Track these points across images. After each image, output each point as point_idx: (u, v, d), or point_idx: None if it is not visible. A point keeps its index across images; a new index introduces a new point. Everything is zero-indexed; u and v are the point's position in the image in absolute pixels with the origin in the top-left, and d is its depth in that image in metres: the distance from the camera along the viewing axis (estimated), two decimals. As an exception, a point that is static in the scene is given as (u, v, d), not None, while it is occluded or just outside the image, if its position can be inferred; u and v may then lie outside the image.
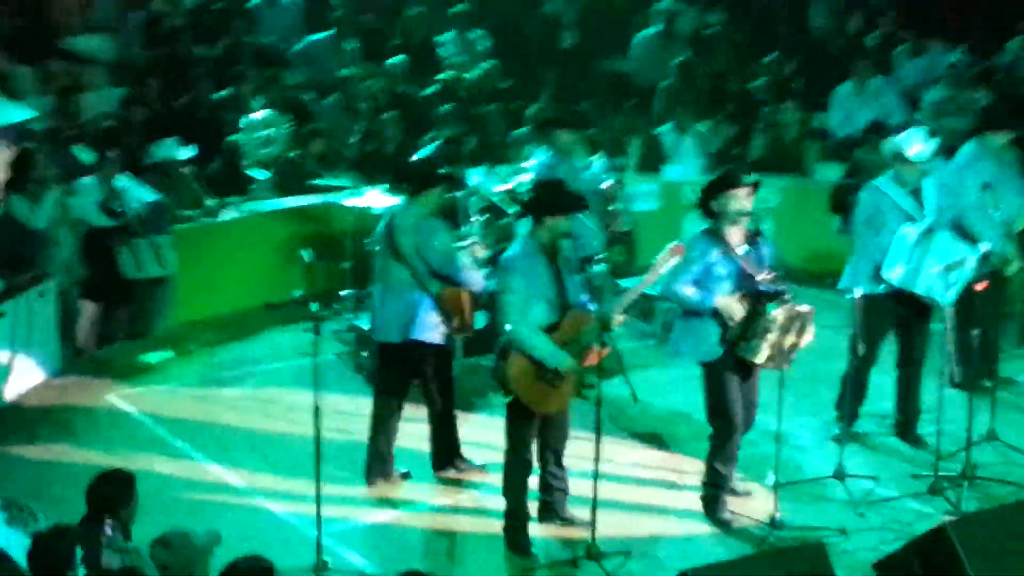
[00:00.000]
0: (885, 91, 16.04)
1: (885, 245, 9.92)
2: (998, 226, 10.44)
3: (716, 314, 8.94)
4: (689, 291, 8.93)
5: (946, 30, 17.12)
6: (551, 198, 8.88)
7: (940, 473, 9.62)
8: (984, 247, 9.89)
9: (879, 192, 10.07)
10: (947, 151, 14.11)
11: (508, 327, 8.51)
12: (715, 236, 8.99)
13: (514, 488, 8.90)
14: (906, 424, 10.41)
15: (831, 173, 14.73)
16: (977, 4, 17.30)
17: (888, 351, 10.39)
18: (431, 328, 9.63)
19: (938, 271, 9.74)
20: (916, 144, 10.00)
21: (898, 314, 10.14)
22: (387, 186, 12.44)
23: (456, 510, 9.62)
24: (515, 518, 8.94)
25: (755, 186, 9.05)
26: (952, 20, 17.34)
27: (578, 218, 9.32)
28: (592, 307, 8.68)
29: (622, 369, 9.54)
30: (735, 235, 9.01)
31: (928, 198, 10.09)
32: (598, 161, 12.12)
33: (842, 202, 11.97)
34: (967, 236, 10.39)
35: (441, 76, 16.07)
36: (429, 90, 15.96)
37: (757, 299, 8.87)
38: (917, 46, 16.78)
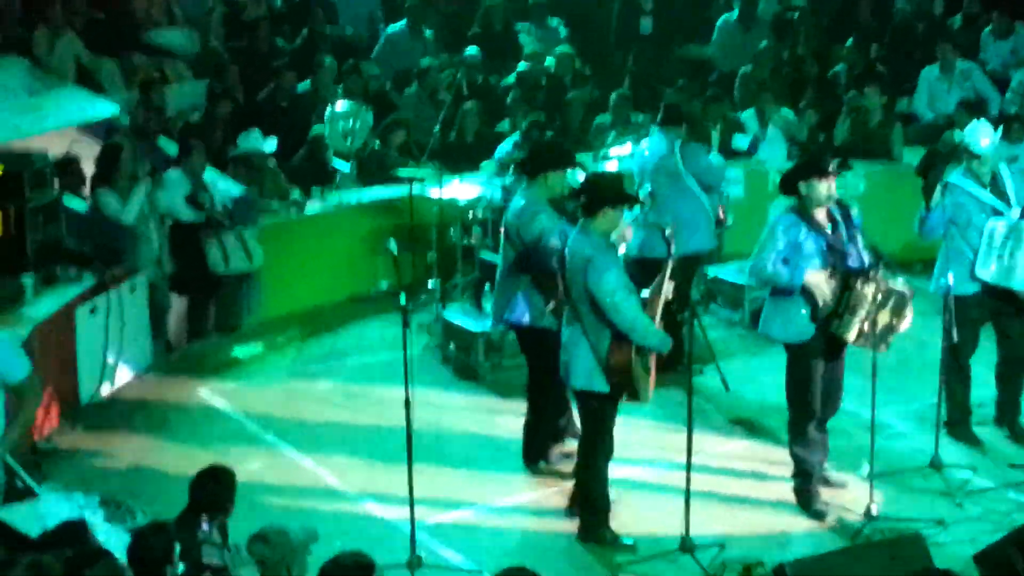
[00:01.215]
0: (972, 73, 15.85)
1: (975, 243, 9.78)
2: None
3: (806, 293, 8.86)
4: (779, 268, 8.85)
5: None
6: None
7: (1040, 464, 9.52)
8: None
9: (957, 189, 9.89)
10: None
11: (626, 314, 8.38)
12: (802, 214, 8.92)
13: (601, 479, 8.85)
14: (1005, 420, 10.21)
15: (919, 158, 14.56)
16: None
17: (987, 336, 10.22)
18: (524, 311, 9.56)
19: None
20: (983, 137, 9.83)
21: (993, 308, 9.97)
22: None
23: (546, 508, 9.56)
24: (602, 510, 8.89)
25: (841, 168, 8.98)
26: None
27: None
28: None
29: (713, 358, 9.54)
30: (821, 215, 8.95)
31: (1014, 188, 9.89)
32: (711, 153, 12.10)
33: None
34: None
35: (521, 66, 16.03)
36: (509, 79, 15.94)
37: (847, 276, 8.80)
38: (1003, 27, 16.54)
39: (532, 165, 9.73)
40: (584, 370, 8.49)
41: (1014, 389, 10.19)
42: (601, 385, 8.46)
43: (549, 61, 16.24)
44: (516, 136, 13.44)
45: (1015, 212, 9.71)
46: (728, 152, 14.13)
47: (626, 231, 9.52)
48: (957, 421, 10.14)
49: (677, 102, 12.68)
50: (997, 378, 10.22)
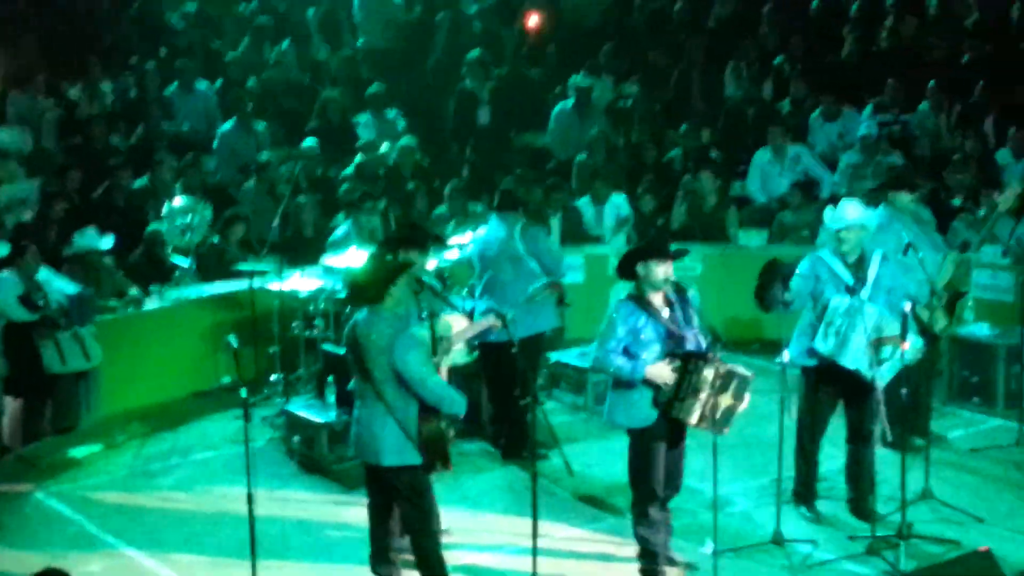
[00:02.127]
0: (802, 156, 16.26)
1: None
2: (923, 284, 10.58)
3: (647, 380, 8.95)
4: (620, 361, 8.95)
5: (857, 93, 17.40)
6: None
7: (877, 534, 9.64)
8: (905, 304, 9.89)
9: (820, 261, 10.09)
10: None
11: (433, 388, 8.46)
12: (640, 301, 9.04)
13: (439, 548, 8.83)
14: (859, 501, 10.29)
15: (752, 239, 14.89)
16: (887, 67, 17.60)
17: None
18: None
19: (864, 345, 9.76)
20: (849, 211, 10.05)
21: (839, 386, 10.12)
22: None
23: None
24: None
25: (678, 254, 9.13)
26: (862, 84, 17.63)
27: None
28: None
29: (556, 442, 9.59)
30: (658, 299, 9.06)
31: (874, 272, 10.05)
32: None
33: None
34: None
35: (359, 158, 16.10)
36: (348, 170, 15.99)
37: (686, 360, 8.91)
38: (831, 111, 17.01)
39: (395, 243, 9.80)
40: (395, 447, 8.49)
41: (863, 473, 10.20)
42: (414, 458, 8.48)
43: (384, 149, 16.30)
44: (348, 224, 13.43)
45: (865, 293, 9.90)
46: (570, 238, 14.35)
47: (493, 322, 9.63)
48: (802, 496, 10.28)
49: (512, 188, 12.80)
50: (847, 460, 10.34)
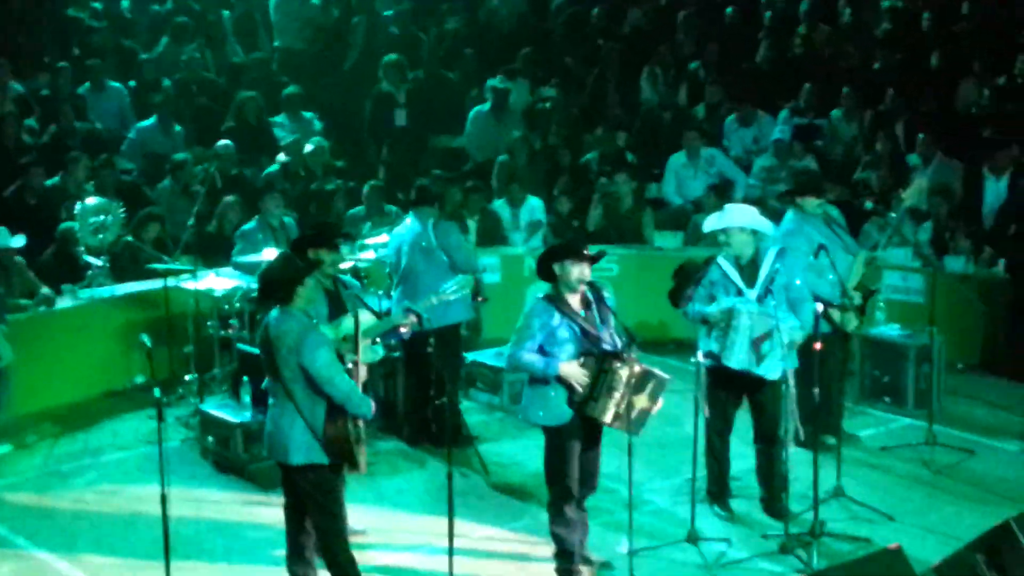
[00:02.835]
0: (716, 159, 16.41)
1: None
2: (835, 285, 10.71)
3: (561, 379, 9.00)
4: (533, 358, 8.99)
5: (772, 98, 17.60)
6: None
7: (790, 532, 9.74)
8: (816, 305, 10.01)
9: (716, 266, 10.19)
10: (777, 217, 14.57)
11: (340, 387, 8.41)
12: (555, 301, 9.08)
13: (348, 546, 8.80)
14: (771, 500, 10.38)
15: (668, 241, 15.01)
16: (801, 74, 17.82)
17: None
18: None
19: (746, 345, 9.86)
20: (729, 215, 10.16)
21: (736, 385, 10.21)
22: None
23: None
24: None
25: (596, 257, 9.18)
26: (776, 90, 17.84)
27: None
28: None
29: (472, 443, 9.60)
30: (575, 300, 9.10)
31: (765, 271, 10.16)
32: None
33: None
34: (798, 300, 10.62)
35: (283, 157, 16.06)
36: (270, 169, 15.93)
37: (602, 359, 8.96)
38: (745, 115, 17.18)
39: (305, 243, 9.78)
40: (303, 446, 8.46)
41: (771, 472, 10.31)
42: (321, 458, 8.47)
43: (307, 149, 16.28)
44: (253, 222, 13.36)
45: (753, 292, 10.02)
46: (487, 239, 14.38)
47: (407, 320, 9.74)
48: (716, 494, 10.36)
49: (428, 184, 12.86)
50: (757, 460, 10.43)
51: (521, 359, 9.06)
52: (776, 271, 10.02)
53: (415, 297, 10.94)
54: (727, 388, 10.17)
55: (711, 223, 10.24)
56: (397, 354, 12.15)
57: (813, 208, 11.20)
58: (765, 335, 9.80)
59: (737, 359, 9.88)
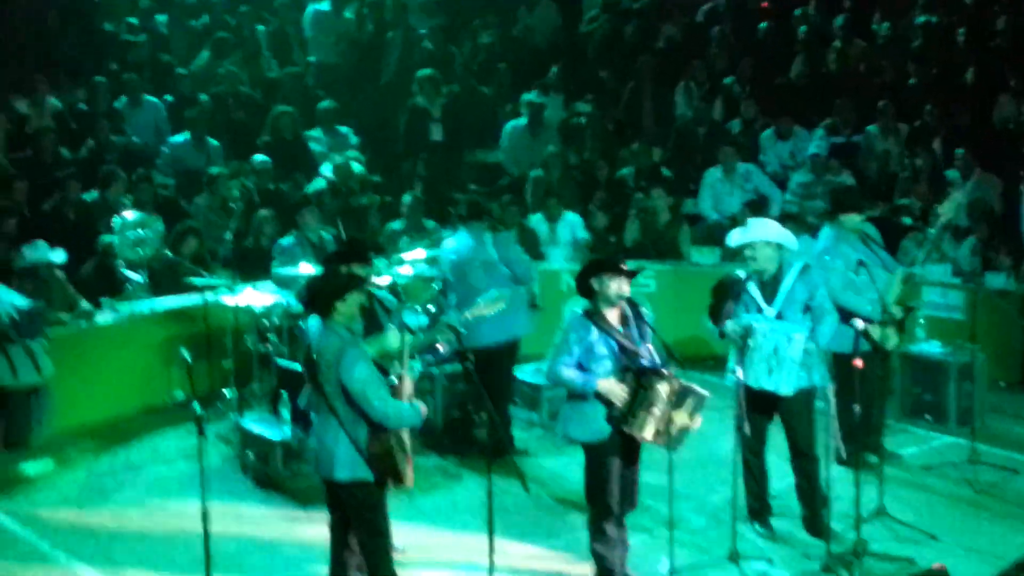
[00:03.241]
0: (752, 175, 16.39)
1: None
2: (875, 303, 10.67)
3: (600, 395, 8.98)
4: (572, 374, 8.99)
5: (807, 114, 17.57)
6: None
7: (832, 551, 9.68)
8: (857, 322, 9.97)
9: (739, 282, 10.18)
10: (814, 233, 14.54)
11: (376, 404, 8.41)
12: (593, 316, 9.07)
13: (392, 564, 8.81)
14: (812, 518, 10.32)
15: (705, 257, 14.98)
16: (836, 89, 17.79)
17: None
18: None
19: (762, 361, 9.85)
20: (749, 231, 10.15)
21: (765, 403, 10.16)
22: None
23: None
24: None
25: (634, 272, 9.16)
26: (811, 105, 17.81)
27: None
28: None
29: (512, 460, 9.58)
30: (613, 315, 9.09)
31: (787, 287, 10.12)
32: None
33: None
34: (843, 315, 10.61)
35: (328, 169, 16.10)
36: (318, 186, 15.93)
37: (640, 375, 8.94)
38: (782, 130, 17.16)
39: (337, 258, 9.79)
40: (347, 461, 8.47)
41: (811, 489, 10.29)
42: (366, 474, 8.48)
43: (356, 168, 16.32)
44: (292, 236, 13.36)
45: (770, 310, 10.00)
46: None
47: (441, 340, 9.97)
48: (756, 511, 10.33)
49: (476, 199, 12.92)
50: (795, 478, 10.40)
51: (560, 374, 9.05)
52: (793, 288, 10.00)
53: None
54: (756, 405, 10.15)
55: (736, 237, 10.22)
56: (436, 370, 12.20)
57: (853, 225, 11.17)
58: (776, 349, 9.78)
59: (754, 377, 9.87)
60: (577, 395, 9.12)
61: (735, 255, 14.40)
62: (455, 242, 12.02)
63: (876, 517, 10.31)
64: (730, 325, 9.92)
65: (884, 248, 11.61)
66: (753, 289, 10.06)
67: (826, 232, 11.30)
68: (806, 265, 10.23)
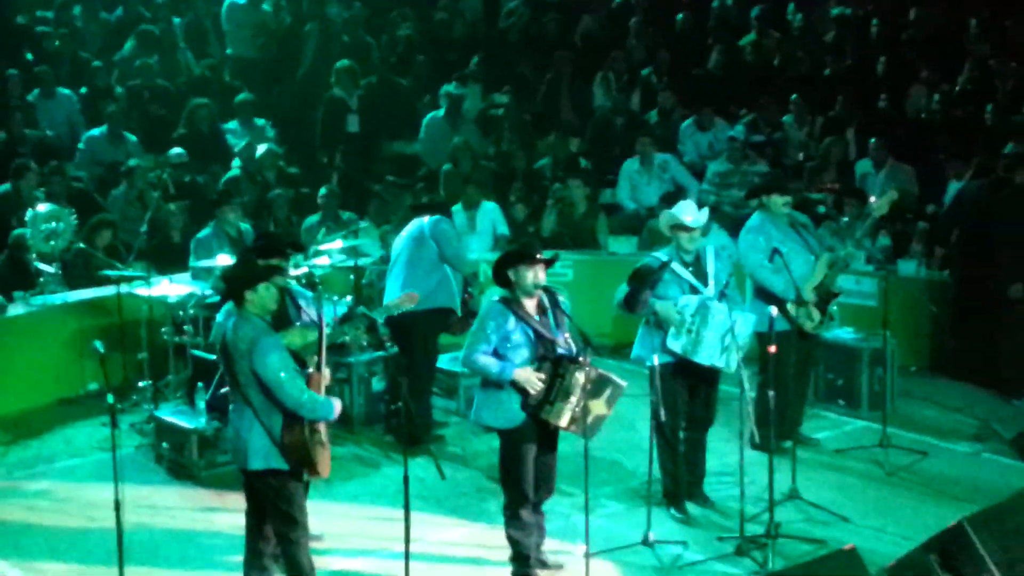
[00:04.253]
0: (669, 165, 16.48)
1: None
2: (791, 286, 10.78)
3: (516, 383, 9.01)
4: (488, 361, 9.01)
5: (724, 104, 17.70)
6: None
7: (745, 534, 9.77)
8: (771, 309, 10.09)
9: (660, 262, 10.27)
10: (731, 221, 14.67)
11: (291, 392, 8.37)
12: (511, 304, 9.09)
13: (307, 554, 8.77)
14: (692, 485, 10.57)
15: (623, 246, 15.06)
16: (753, 80, 17.92)
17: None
18: None
19: (715, 340, 9.98)
20: (689, 213, 10.25)
21: (688, 380, 10.33)
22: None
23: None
24: None
25: (550, 261, 9.20)
26: (728, 96, 17.93)
27: None
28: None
29: (429, 447, 9.60)
30: (530, 304, 9.13)
31: (712, 267, 10.31)
32: None
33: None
34: (763, 297, 10.77)
35: (238, 162, 16.03)
36: (231, 174, 15.87)
37: (557, 364, 8.98)
38: (703, 121, 17.27)
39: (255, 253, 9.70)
40: (262, 451, 8.44)
41: (699, 459, 10.61)
42: (280, 463, 8.45)
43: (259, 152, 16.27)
44: (209, 228, 13.29)
45: (710, 290, 10.11)
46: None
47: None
48: (672, 495, 10.41)
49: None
50: (684, 448, 10.56)
51: (476, 362, 9.07)
52: (718, 271, 10.21)
53: (400, 287, 11.38)
54: (679, 383, 10.23)
55: (689, 213, 10.28)
56: (353, 359, 12.22)
57: (778, 208, 11.26)
58: (729, 328, 9.89)
59: (708, 355, 10.00)
60: (491, 382, 9.14)
61: (653, 245, 14.58)
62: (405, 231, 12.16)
63: (789, 500, 10.39)
64: (686, 304, 9.99)
65: (813, 234, 11.67)
66: (681, 270, 10.18)
67: (755, 216, 11.40)
68: (717, 249, 10.44)
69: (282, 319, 9.41)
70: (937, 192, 15.22)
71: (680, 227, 10.22)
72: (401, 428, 11.23)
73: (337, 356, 11.97)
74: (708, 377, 10.34)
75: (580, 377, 8.93)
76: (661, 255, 10.32)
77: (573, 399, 8.95)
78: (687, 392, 10.38)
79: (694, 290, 10.16)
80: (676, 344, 10.05)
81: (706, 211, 10.51)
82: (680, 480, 10.45)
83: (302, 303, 9.67)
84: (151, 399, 12.41)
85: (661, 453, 10.31)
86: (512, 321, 9.05)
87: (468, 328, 11.81)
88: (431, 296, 11.60)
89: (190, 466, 11.31)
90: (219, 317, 8.66)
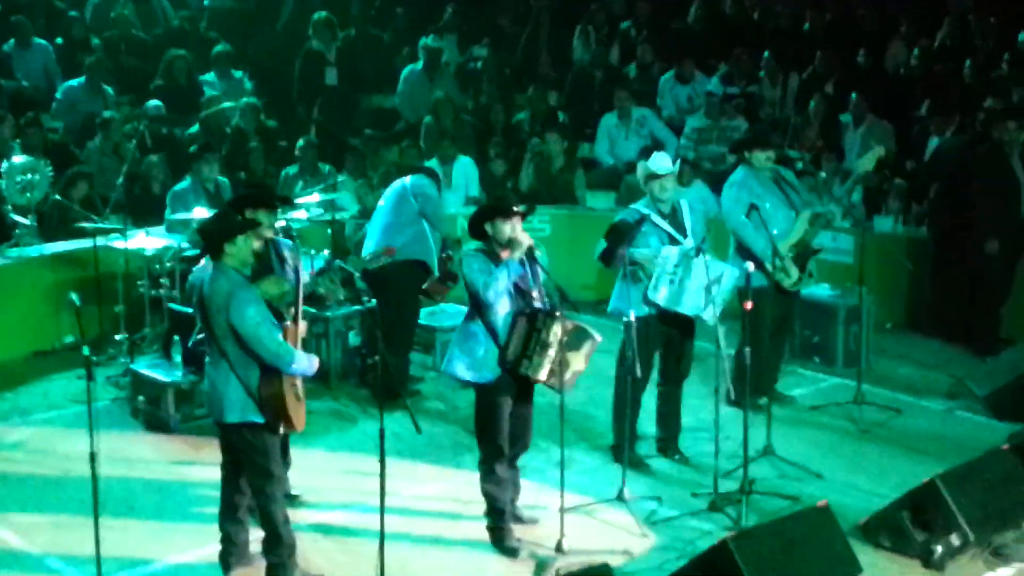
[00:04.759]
0: (647, 120, 16.46)
1: (650, 268, 10.11)
2: (769, 242, 10.80)
3: (492, 335, 9.01)
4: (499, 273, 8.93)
5: (703, 58, 17.66)
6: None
7: (719, 491, 9.82)
8: (747, 265, 10.14)
9: (639, 215, 10.28)
10: (710, 176, 14.68)
11: (269, 346, 8.33)
12: (490, 255, 9.08)
13: (283, 510, 8.78)
14: (667, 440, 10.66)
15: (600, 201, 15.07)
16: (732, 35, 17.89)
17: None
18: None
19: (699, 290, 9.99)
20: (661, 162, 10.28)
21: (665, 333, 10.36)
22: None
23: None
24: (288, 545, 8.80)
25: (525, 213, 9.19)
26: (708, 50, 17.90)
27: None
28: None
29: (404, 401, 9.58)
30: (507, 256, 9.10)
31: (688, 220, 10.34)
32: None
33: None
34: (743, 252, 10.81)
35: (203, 114, 15.96)
36: (193, 129, 15.82)
37: (533, 317, 8.98)
38: (684, 74, 17.23)
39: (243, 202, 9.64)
40: (238, 404, 8.43)
41: (674, 413, 10.69)
42: (256, 416, 8.46)
43: (227, 104, 16.15)
44: (186, 182, 13.23)
45: (689, 242, 10.14)
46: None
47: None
48: (617, 446, 10.42)
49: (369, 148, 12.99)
50: (658, 402, 10.66)
51: (494, 278, 8.95)
52: (693, 223, 10.30)
53: (377, 241, 11.45)
54: (657, 341, 10.26)
55: (642, 170, 10.31)
56: (330, 313, 12.21)
57: (761, 163, 11.25)
58: (715, 280, 9.90)
59: (693, 305, 10.02)
60: (469, 337, 9.12)
61: (630, 200, 14.58)
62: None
63: (763, 456, 10.46)
64: (672, 254, 10.00)
65: (796, 190, 11.64)
66: (660, 221, 10.22)
67: (738, 171, 11.40)
68: (691, 203, 10.59)
69: (264, 270, 9.41)
70: (916, 148, 15.24)
71: (653, 176, 10.23)
72: (376, 382, 11.23)
73: (315, 310, 11.96)
74: (684, 329, 10.38)
75: (557, 330, 8.94)
76: (639, 207, 10.33)
77: (551, 352, 8.95)
78: (662, 346, 10.41)
79: (673, 241, 10.18)
80: (657, 295, 10.05)
81: (678, 162, 10.51)
82: (635, 433, 10.49)
83: (286, 253, 9.62)
84: (127, 352, 12.40)
85: (620, 406, 10.36)
86: (493, 269, 9.04)
87: (446, 291, 11.98)
88: (406, 247, 11.63)
89: (166, 419, 11.30)
90: (200, 268, 8.64)
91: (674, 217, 10.30)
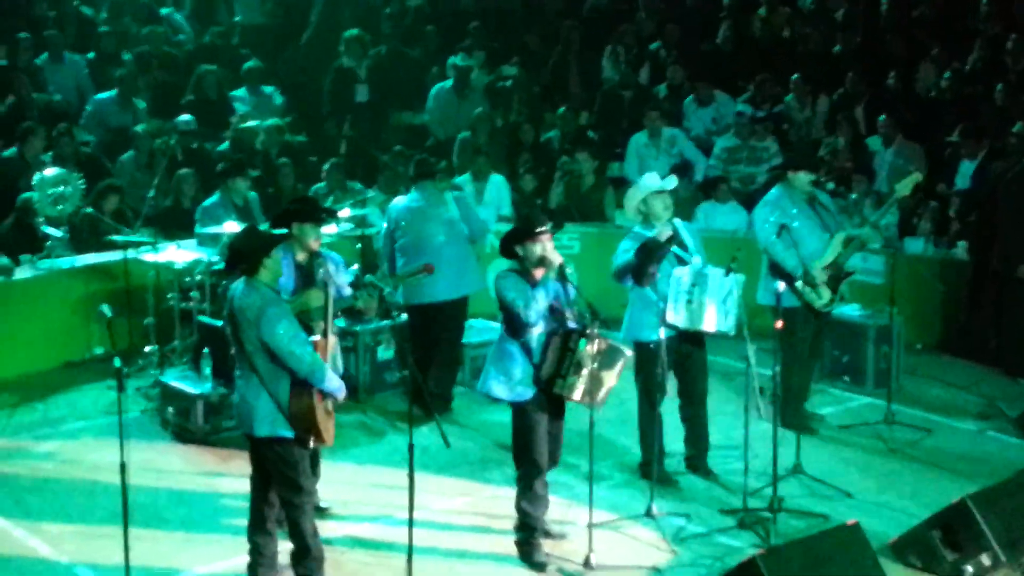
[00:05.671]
0: (677, 139, 16.46)
1: (661, 289, 10.08)
2: (799, 262, 10.77)
3: (527, 353, 9.01)
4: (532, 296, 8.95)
5: (733, 80, 17.66)
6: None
7: (748, 507, 9.80)
8: (777, 284, 10.10)
9: (642, 238, 10.25)
10: (740, 196, 14.67)
11: (303, 360, 8.35)
12: (522, 275, 9.08)
13: (313, 524, 8.79)
14: (695, 458, 10.66)
15: (629, 220, 15.02)
16: (761, 56, 17.89)
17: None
18: None
19: (719, 305, 9.96)
20: (653, 180, 10.29)
21: (679, 352, 10.34)
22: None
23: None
24: (317, 559, 8.80)
25: (552, 232, 9.18)
26: (737, 72, 17.90)
27: None
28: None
29: (433, 415, 9.60)
30: (540, 276, 9.11)
31: (689, 239, 10.33)
32: None
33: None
34: (776, 271, 10.78)
35: (230, 131, 16.04)
36: (223, 146, 15.89)
37: (567, 337, 8.98)
38: (701, 96, 17.24)
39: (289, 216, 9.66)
40: (268, 418, 8.45)
41: (701, 430, 10.66)
42: (285, 430, 8.47)
43: (251, 124, 16.22)
44: (216, 197, 13.28)
45: (696, 260, 10.12)
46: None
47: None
48: (649, 463, 10.39)
49: (426, 157, 13.09)
50: (684, 421, 10.64)
51: (533, 299, 8.96)
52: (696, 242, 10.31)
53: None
54: (671, 357, 10.24)
55: (641, 191, 10.31)
56: (360, 328, 12.23)
57: (803, 184, 11.21)
58: (728, 291, 9.92)
59: (714, 321, 9.98)
60: (504, 356, 9.13)
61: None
62: (406, 200, 12.05)
63: (792, 475, 10.42)
64: (685, 275, 9.99)
65: (831, 213, 11.60)
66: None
67: (775, 189, 11.39)
68: (685, 224, 10.59)
69: (308, 282, 9.44)
70: (946, 171, 15.20)
71: (656, 193, 10.21)
72: (422, 396, 11.23)
73: (345, 324, 12.00)
74: (696, 345, 10.36)
75: (591, 349, 8.93)
76: (638, 229, 10.31)
77: (585, 371, 8.95)
78: (677, 365, 10.41)
79: (681, 261, 10.15)
80: (678, 318, 10.02)
81: (671, 180, 10.45)
82: (662, 450, 10.50)
83: (330, 266, 9.63)
84: (157, 364, 12.45)
85: (647, 424, 10.38)
86: (528, 289, 9.04)
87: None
88: (457, 281, 11.77)
89: (195, 431, 11.35)
90: (232, 283, 8.66)
91: (676, 237, 10.28)
